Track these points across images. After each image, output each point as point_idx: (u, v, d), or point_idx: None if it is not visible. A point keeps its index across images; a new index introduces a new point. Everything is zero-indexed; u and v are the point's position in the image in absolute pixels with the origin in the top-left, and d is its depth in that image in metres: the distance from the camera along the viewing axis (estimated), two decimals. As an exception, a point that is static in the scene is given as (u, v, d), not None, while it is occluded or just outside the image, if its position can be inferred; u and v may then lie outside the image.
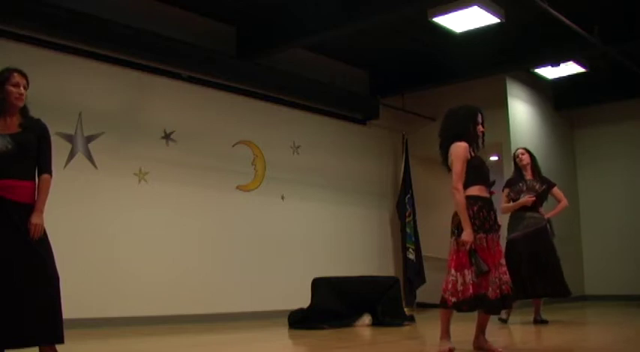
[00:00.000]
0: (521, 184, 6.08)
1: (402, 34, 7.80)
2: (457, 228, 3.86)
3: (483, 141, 4.09)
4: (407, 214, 9.15)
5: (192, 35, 6.88)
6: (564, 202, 6.24)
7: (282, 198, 7.90)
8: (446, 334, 3.90)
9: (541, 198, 6.08)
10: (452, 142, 3.95)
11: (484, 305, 3.80)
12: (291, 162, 8.10)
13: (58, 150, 5.19)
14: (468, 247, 3.75)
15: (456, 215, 3.89)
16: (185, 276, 6.69)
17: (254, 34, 7.28)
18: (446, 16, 6.50)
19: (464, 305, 3.75)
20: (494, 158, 9.64)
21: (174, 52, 6.60)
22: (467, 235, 3.76)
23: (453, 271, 3.80)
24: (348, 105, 8.73)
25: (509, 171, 8.83)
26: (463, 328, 4.27)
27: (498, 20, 6.59)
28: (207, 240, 7.03)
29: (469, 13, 6.43)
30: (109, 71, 6.41)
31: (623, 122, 9.99)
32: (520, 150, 6.28)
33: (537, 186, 6.06)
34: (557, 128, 10.27)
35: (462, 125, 3.98)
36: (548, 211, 6.23)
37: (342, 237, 8.55)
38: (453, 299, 3.76)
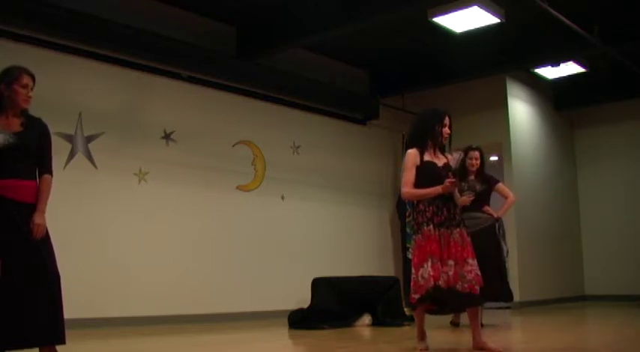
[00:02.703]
0: (463, 183, 5.78)
1: (402, 34, 7.80)
2: (411, 228, 3.94)
3: (450, 143, 4.14)
4: (407, 214, 9.09)
5: (192, 35, 6.88)
6: (511, 198, 6.02)
7: (282, 198, 7.90)
8: (421, 335, 3.95)
9: (481, 197, 5.79)
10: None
11: (448, 296, 3.76)
12: (291, 162, 8.09)
13: (58, 150, 5.18)
14: (452, 180, 3.84)
15: (408, 216, 3.96)
16: (185, 276, 6.69)
17: (254, 34, 7.28)
18: (446, 16, 6.50)
19: (428, 298, 3.72)
20: (494, 158, 9.64)
21: (174, 52, 6.60)
22: (441, 188, 3.82)
23: (413, 271, 3.82)
24: (348, 105, 8.73)
25: (509, 171, 8.89)
26: (462, 328, 4.27)
27: (498, 20, 6.59)
28: (207, 240, 7.03)
29: (469, 13, 6.43)
30: (109, 71, 6.41)
31: (623, 122, 9.99)
32: (475, 154, 5.98)
33: (477, 186, 5.83)
34: (557, 128, 10.27)
35: (427, 125, 4.03)
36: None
37: (342, 237, 8.55)
38: (417, 296, 3.75)
